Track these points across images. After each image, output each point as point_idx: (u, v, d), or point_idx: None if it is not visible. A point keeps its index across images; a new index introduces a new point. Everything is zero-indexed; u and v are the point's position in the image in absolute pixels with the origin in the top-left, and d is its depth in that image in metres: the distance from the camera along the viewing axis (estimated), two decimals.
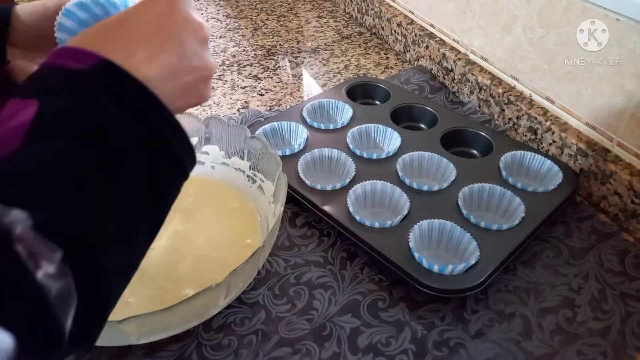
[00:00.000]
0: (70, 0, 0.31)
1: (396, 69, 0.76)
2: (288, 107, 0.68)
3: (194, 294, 0.34)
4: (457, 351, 0.39)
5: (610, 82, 0.48)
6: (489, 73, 0.64)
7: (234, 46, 0.84)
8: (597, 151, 0.50)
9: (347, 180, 0.50)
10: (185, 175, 0.25)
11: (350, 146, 0.56)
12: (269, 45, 0.84)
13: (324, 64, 0.79)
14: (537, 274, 0.45)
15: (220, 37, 0.87)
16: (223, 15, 0.95)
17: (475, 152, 0.57)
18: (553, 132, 0.54)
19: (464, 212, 0.47)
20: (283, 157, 0.51)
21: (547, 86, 0.56)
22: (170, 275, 0.44)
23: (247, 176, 0.52)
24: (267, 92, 0.72)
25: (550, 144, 0.55)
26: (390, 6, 0.82)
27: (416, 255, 0.43)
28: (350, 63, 0.79)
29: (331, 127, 0.59)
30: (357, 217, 0.46)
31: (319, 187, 0.50)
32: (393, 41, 0.81)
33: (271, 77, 0.75)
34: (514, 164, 0.53)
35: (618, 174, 0.48)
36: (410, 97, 0.64)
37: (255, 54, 0.82)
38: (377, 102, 0.66)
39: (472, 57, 0.66)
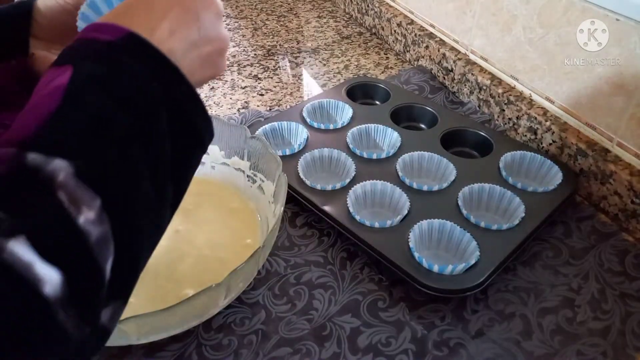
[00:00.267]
0: None
1: (396, 69, 0.76)
2: (288, 107, 0.68)
3: (194, 294, 0.34)
4: (457, 351, 0.39)
5: (610, 82, 0.48)
6: (489, 73, 0.64)
7: (234, 46, 0.84)
8: (597, 151, 0.50)
9: (347, 180, 0.50)
10: (203, 147, 0.26)
11: (350, 146, 0.56)
12: (269, 46, 0.84)
13: (324, 64, 0.79)
14: (537, 274, 0.45)
15: None
16: (223, 16, 0.95)
17: (475, 152, 0.57)
18: (553, 132, 0.55)
19: (464, 212, 0.47)
20: (283, 157, 0.51)
21: (547, 86, 0.56)
22: (170, 275, 0.44)
23: (247, 176, 0.52)
24: (267, 92, 0.72)
25: (550, 144, 0.55)
26: (390, 6, 0.82)
27: (416, 255, 0.43)
28: (350, 63, 0.79)
29: (331, 127, 0.59)
30: (357, 217, 0.46)
31: (319, 187, 0.50)
32: (393, 41, 0.81)
33: (271, 77, 0.76)
34: (514, 164, 0.53)
35: (618, 174, 0.48)
36: (410, 97, 0.64)
37: (255, 54, 0.82)
38: (377, 102, 0.66)
39: (472, 57, 0.66)
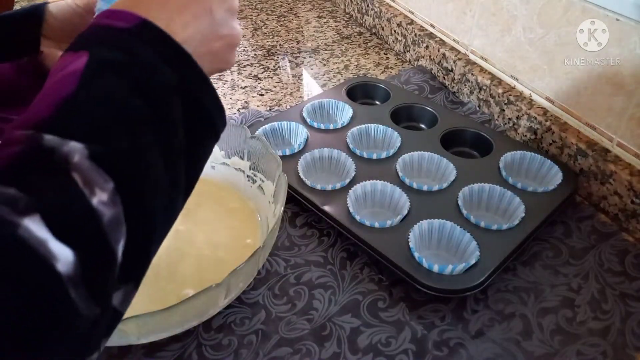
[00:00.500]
0: None
1: (396, 69, 0.76)
2: (288, 107, 0.68)
3: (194, 294, 0.34)
4: (457, 351, 0.39)
5: (610, 82, 0.48)
6: (489, 73, 0.64)
7: None
8: (597, 151, 0.50)
9: (347, 180, 0.50)
10: (216, 135, 0.27)
11: (350, 146, 0.56)
12: (269, 46, 0.84)
13: (324, 64, 0.79)
14: (537, 274, 0.45)
15: None
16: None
17: (475, 152, 0.57)
18: (553, 132, 0.55)
19: (464, 212, 0.47)
20: (283, 157, 0.51)
21: (547, 86, 0.56)
22: (170, 275, 0.44)
23: (247, 176, 0.52)
24: (267, 92, 0.72)
25: (550, 144, 0.55)
26: (390, 6, 0.82)
27: (416, 255, 0.43)
28: (350, 63, 0.79)
29: (331, 127, 0.59)
30: (357, 217, 0.46)
31: (319, 187, 0.50)
32: (393, 41, 0.81)
33: (271, 77, 0.76)
34: (514, 164, 0.53)
35: (618, 174, 0.48)
36: (410, 97, 0.64)
37: (255, 54, 0.82)
38: (377, 102, 0.66)
39: (472, 57, 0.66)
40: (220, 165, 0.53)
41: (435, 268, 0.42)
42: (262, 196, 0.50)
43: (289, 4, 1.00)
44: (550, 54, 0.54)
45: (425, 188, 0.50)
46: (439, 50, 0.70)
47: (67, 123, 0.20)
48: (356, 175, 0.51)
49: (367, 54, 0.81)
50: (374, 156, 0.55)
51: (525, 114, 0.58)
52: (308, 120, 0.60)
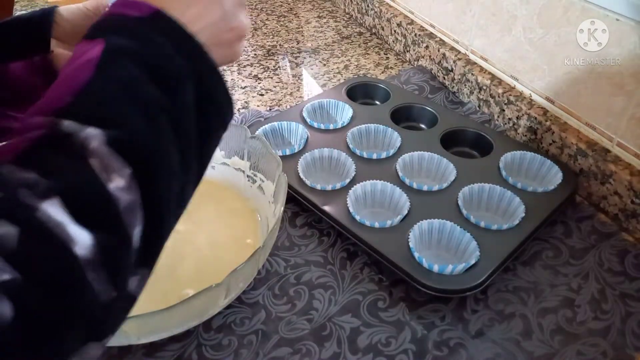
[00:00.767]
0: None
1: (396, 69, 0.76)
2: (288, 107, 0.68)
3: (194, 294, 0.34)
4: (457, 351, 0.39)
5: (610, 82, 0.48)
6: (489, 73, 0.64)
7: None
8: (597, 151, 0.50)
9: (347, 180, 0.50)
10: (224, 124, 0.27)
11: (350, 146, 0.56)
12: (269, 46, 0.84)
13: (324, 64, 0.79)
14: (537, 274, 0.45)
15: None
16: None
17: (475, 152, 0.57)
18: (553, 132, 0.54)
19: (464, 212, 0.47)
20: (283, 157, 0.51)
21: (547, 86, 0.56)
22: (170, 275, 0.44)
23: (247, 176, 0.52)
24: (267, 92, 0.72)
25: (550, 144, 0.55)
26: (390, 6, 0.82)
27: (416, 255, 0.43)
28: (350, 63, 0.79)
29: (331, 127, 0.59)
30: (357, 217, 0.46)
31: (319, 187, 0.50)
32: (393, 41, 0.81)
33: (271, 77, 0.75)
34: (514, 164, 0.53)
35: (618, 174, 0.48)
36: (410, 97, 0.64)
37: (255, 54, 0.82)
38: (377, 102, 0.66)
39: (472, 57, 0.66)
40: (220, 165, 0.53)
41: (435, 268, 0.42)
42: (262, 196, 0.50)
43: (289, 4, 1.00)
44: (550, 54, 0.54)
45: (425, 188, 0.50)
46: (439, 50, 0.70)
47: (85, 109, 0.21)
48: (356, 175, 0.51)
49: (367, 54, 0.81)
50: (374, 156, 0.55)
51: (525, 114, 0.58)
52: (308, 120, 0.60)
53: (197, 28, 0.25)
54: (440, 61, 0.70)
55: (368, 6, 0.86)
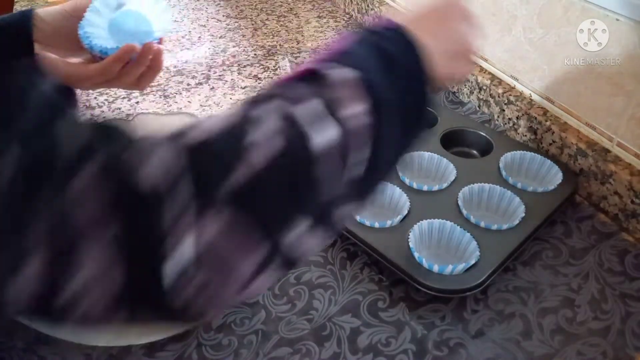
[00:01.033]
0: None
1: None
2: None
3: None
4: (457, 351, 0.39)
5: (609, 82, 0.48)
6: (489, 73, 0.64)
7: (234, 46, 0.84)
8: (597, 151, 0.50)
9: None
10: (420, 132, 0.32)
11: None
12: (269, 46, 0.84)
13: None
14: (537, 274, 0.45)
15: (220, 37, 0.87)
16: (223, 16, 0.95)
17: (475, 152, 0.57)
18: (553, 132, 0.54)
19: (464, 212, 0.47)
20: None
21: (547, 86, 0.56)
22: None
23: None
24: None
25: (550, 144, 0.55)
26: (390, 6, 0.82)
27: (416, 255, 0.42)
28: None
29: None
30: (357, 217, 0.46)
31: None
32: None
33: (271, 77, 0.75)
34: (514, 164, 0.53)
35: (618, 174, 0.48)
36: None
37: (255, 54, 0.82)
38: None
39: (472, 56, 0.66)
40: None
41: (435, 268, 0.42)
42: None
43: (289, 4, 1.00)
44: (550, 54, 0.54)
45: (425, 188, 0.50)
46: None
47: (346, 60, 0.27)
48: None
49: None
50: None
51: (525, 114, 0.58)
52: None
53: (430, 42, 0.31)
54: None
55: (368, 6, 0.86)
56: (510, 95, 0.60)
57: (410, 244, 0.43)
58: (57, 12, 0.39)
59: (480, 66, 0.65)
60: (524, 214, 0.46)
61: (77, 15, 0.40)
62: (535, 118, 0.56)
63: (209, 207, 0.21)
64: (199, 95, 0.71)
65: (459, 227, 0.44)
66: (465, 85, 0.66)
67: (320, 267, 0.46)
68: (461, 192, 0.48)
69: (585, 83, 0.51)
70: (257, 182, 0.22)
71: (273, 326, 0.41)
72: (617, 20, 0.46)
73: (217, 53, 0.82)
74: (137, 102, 0.70)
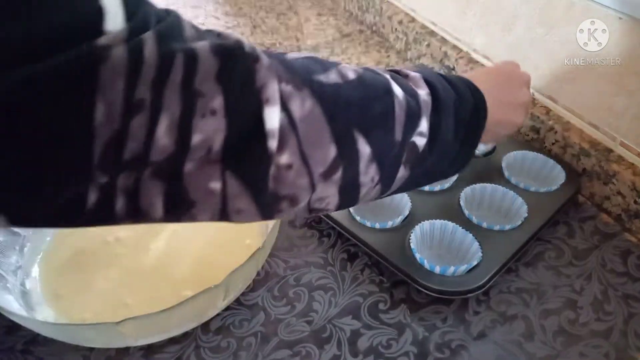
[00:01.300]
0: None
1: (397, 68, 0.76)
2: None
3: (193, 295, 0.34)
4: (458, 353, 0.39)
5: (612, 81, 0.48)
6: None
7: None
8: (600, 151, 0.50)
9: None
10: (451, 171, 0.38)
11: None
12: (268, 44, 0.84)
13: None
14: (540, 275, 0.44)
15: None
16: (222, 13, 0.94)
17: (477, 151, 0.57)
18: (556, 132, 0.54)
19: (466, 212, 0.46)
20: None
21: (549, 85, 0.55)
22: (168, 276, 0.43)
23: None
24: None
25: (553, 144, 0.55)
26: (391, 4, 0.82)
27: (417, 256, 0.42)
28: (351, 61, 0.78)
29: None
30: (358, 218, 0.46)
31: None
32: (394, 39, 0.81)
33: None
34: (516, 164, 0.52)
35: (621, 173, 0.47)
36: None
37: None
38: None
39: (474, 55, 0.66)
40: None
41: (437, 269, 0.41)
42: None
43: (288, 2, 0.99)
44: (551, 52, 0.54)
45: (426, 188, 0.49)
46: (440, 49, 0.69)
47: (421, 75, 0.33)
48: None
49: (368, 52, 0.81)
50: None
51: (528, 113, 0.57)
52: None
53: (488, 89, 0.37)
54: (441, 59, 0.70)
55: (369, 4, 0.86)
56: None
57: (412, 245, 0.43)
58: None
59: (483, 65, 0.64)
60: (526, 215, 0.45)
61: None
62: (538, 117, 0.56)
63: (297, 89, 0.24)
64: None
65: (460, 227, 0.44)
66: None
67: (320, 269, 0.45)
68: (463, 192, 0.48)
69: (588, 82, 0.51)
70: (343, 86, 0.27)
71: (272, 328, 0.40)
72: (620, 18, 0.45)
73: None
74: None
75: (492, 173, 0.51)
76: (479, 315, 0.41)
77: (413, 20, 0.76)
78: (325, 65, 0.27)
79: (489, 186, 0.48)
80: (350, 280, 0.44)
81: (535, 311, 0.41)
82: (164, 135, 0.20)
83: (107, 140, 0.19)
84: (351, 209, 0.47)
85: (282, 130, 0.24)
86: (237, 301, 0.42)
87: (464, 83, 0.35)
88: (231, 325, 0.41)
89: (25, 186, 0.18)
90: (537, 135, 0.57)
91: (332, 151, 0.26)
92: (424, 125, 0.31)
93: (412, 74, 0.33)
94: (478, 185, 0.49)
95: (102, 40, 0.18)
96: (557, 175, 0.50)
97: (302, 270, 0.45)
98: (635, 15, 0.44)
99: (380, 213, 0.48)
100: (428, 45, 0.72)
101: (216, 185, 0.23)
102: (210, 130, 0.21)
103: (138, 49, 0.19)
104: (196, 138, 0.21)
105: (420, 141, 0.31)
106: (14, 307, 0.38)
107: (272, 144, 0.23)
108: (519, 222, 0.45)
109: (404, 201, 0.48)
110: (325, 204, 0.28)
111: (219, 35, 0.24)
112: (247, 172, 0.24)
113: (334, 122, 0.26)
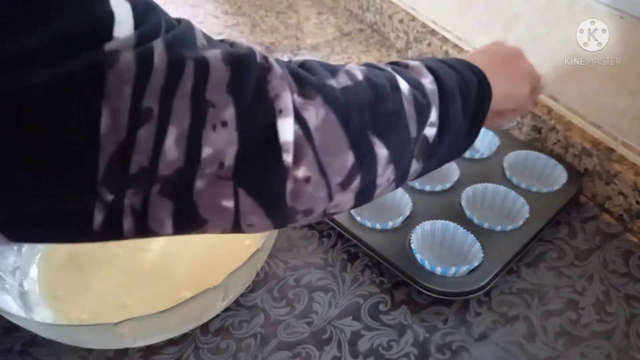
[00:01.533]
0: None
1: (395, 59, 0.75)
2: None
3: (192, 296, 0.34)
4: (459, 354, 0.38)
5: (614, 80, 0.48)
6: None
7: None
8: (601, 150, 0.50)
9: None
10: (463, 149, 0.38)
11: None
12: (268, 43, 0.83)
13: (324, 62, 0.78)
14: (541, 275, 0.44)
15: (218, 34, 0.86)
16: (221, 12, 0.94)
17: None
18: (557, 131, 0.54)
19: (467, 212, 0.46)
20: None
21: (551, 85, 0.55)
22: (167, 277, 0.43)
23: None
24: None
25: (555, 143, 0.54)
26: (392, 3, 0.81)
27: (418, 257, 0.42)
28: (351, 60, 0.78)
29: None
30: (358, 218, 0.46)
31: None
32: (394, 38, 0.80)
33: None
34: (518, 164, 0.52)
35: (623, 173, 0.47)
36: None
37: None
38: None
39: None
40: None
41: (438, 270, 0.41)
42: None
43: (288, 1, 0.98)
44: (553, 51, 0.53)
45: (427, 188, 0.49)
46: (441, 48, 0.69)
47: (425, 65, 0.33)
48: None
49: (368, 51, 0.80)
50: None
51: (529, 113, 0.57)
52: None
53: (495, 79, 0.36)
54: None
55: (369, 2, 0.85)
56: None
57: (412, 246, 0.42)
58: None
59: None
60: (528, 215, 0.45)
61: None
62: (540, 117, 0.56)
63: (310, 98, 0.24)
64: None
65: (462, 228, 0.44)
66: None
67: (320, 270, 0.45)
68: (464, 192, 0.48)
69: (589, 81, 0.50)
70: (354, 88, 0.26)
71: (272, 329, 0.40)
72: (621, 18, 0.45)
73: None
74: None
75: (494, 173, 0.51)
76: (480, 316, 0.41)
77: (414, 19, 0.76)
78: (333, 69, 0.27)
79: (490, 186, 0.48)
80: (350, 281, 0.44)
81: (536, 312, 0.41)
82: (172, 147, 0.19)
83: (113, 152, 0.18)
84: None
85: (297, 142, 0.23)
86: (237, 302, 0.42)
87: (462, 64, 0.35)
88: (230, 327, 0.41)
89: (25, 193, 0.18)
90: (538, 135, 0.56)
91: (349, 158, 0.25)
92: (433, 115, 0.30)
93: (412, 63, 0.32)
94: (479, 186, 0.48)
95: (109, 46, 0.18)
96: (559, 176, 0.50)
97: (302, 271, 0.45)
98: (636, 14, 0.43)
99: (381, 213, 0.48)
100: (429, 44, 0.71)
101: (229, 203, 0.22)
102: (221, 142, 0.20)
103: (147, 56, 0.19)
104: (206, 151, 0.20)
105: (431, 132, 0.30)
106: (12, 307, 0.37)
107: (287, 157, 0.22)
108: (521, 223, 0.45)
109: (404, 201, 0.47)
110: (340, 208, 0.28)
111: (231, 44, 0.24)
112: (261, 188, 0.23)
113: (349, 128, 0.25)
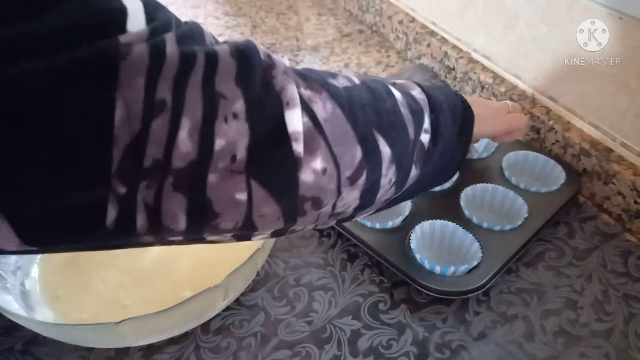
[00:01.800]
0: None
1: (397, 68, 0.76)
2: None
3: (192, 295, 0.34)
4: (459, 353, 0.38)
5: (613, 81, 0.48)
6: (492, 72, 0.63)
7: None
8: (600, 150, 0.50)
9: None
10: (447, 177, 0.42)
11: None
12: (268, 43, 0.84)
13: (324, 62, 0.78)
14: (540, 275, 0.44)
15: (218, 35, 0.86)
16: (222, 13, 0.94)
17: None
18: (556, 132, 0.54)
19: (466, 212, 0.46)
20: None
21: (550, 85, 0.55)
22: (167, 276, 0.43)
23: None
24: None
25: (554, 144, 0.55)
26: (391, 4, 0.82)
27: (417, 256, 0.42)
28: (351, 61, 0.78)
29: None
30: (358, 218, 0.46)
31: None
32: (394, 39, 0.81)
33: None
34: (517, 164, 0.52)
35: (621, 173, 0.47)
36: None
37: None
38: None
39: (475, 55, 0.66)
40: None
41: (437, 269, 0.41)
42: None
43: (288, 2, 0.99)
44: (553, 52, 0.53)
45: None
46: (440, 49, 0.69)
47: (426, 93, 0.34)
48: None
49: (368, 52, 0.81)
50: None
51: (528, 113, 0.57)
52: None
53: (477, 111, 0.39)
54: (442, 59, 0.70)
55: (369, 3, 0.86)
56: (512, 94, 0.59)
57: (412, 245, 0.43)
58: None
59: (483, 64, 0.64)
60: (527, 215, 0.45)
61: None
62: (538, 117, 0.56)
63: (316, 92, 0.25)
64: None
65: (461, 228, 0.44)
66: (467, 83, 0.66)
67: (320, 269, 0.45)
68: (463, 192, 0.48)
69: (589, 82, 0.50)
70: (354, 89, 0.27)
71: (272, 328, 0.40)
72: (620, 18, 0.45)
73: None
74: None
75: (493, 173, 0.51)
76: (479, 315, 0.41)
77: (413, 20, 0.76)
78: (331, 73, 0.28)
79: (489, 186, 0.48)
80: (350, 281, 0.44)
81: (535, 311, 0.41)
82: (185, 139, 0.19)
83: (127, 144, 0.18)
84: None
85: (308, 133, 0.23)
86: (237, 301, 0.42)
87: (444, 87, 0.39)
88: (231, 326, 0.41)
89: (40, 186, 0.17)
90: (537, 135, 0.57)
91: (358, 152, 0.26)
92: (426, 121, 0.32)
93: (399, 81, 0.34)
94: (478, 186, 0.48)
95: (124, 38, 0.18)
96: (558, 176, 0.50)
97: (302, 270, 0.45)
98: (635, 15, 0.44)
99: (381, 213, 0.48)
100: (428, 45, 0.72)
101: (242, 196, 0.22)
102: (233, 134, 0.21)
103: (160, 47, 0.19)
104: (219, 143, 0.20)
105: (425, 138, 0.32)
106: (14, 307, 0.37)
107: (297, 147, 0.23)
108: (520, 223, 0.45)
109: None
110: (346, 207, 0.28)
111: (236, 43, 0.24)
112: (273, 178, 0.23)
113: (356, 124, 0.26)
